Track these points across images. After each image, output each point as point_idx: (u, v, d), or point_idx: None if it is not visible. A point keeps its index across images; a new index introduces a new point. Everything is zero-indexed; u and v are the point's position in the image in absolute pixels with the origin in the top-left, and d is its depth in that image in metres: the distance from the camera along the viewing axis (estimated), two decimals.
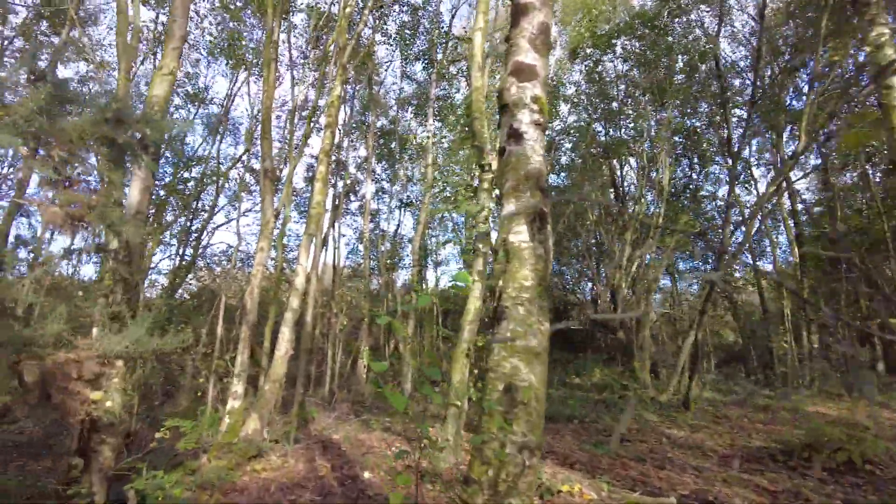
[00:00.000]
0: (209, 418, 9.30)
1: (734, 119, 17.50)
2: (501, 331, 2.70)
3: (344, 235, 26.45)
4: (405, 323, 15.27)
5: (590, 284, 25.85)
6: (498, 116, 3.35)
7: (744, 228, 15.05)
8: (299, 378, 12.14)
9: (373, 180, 24.17)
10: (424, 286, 19.26)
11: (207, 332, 12.47)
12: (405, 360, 14.44)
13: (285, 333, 10.02)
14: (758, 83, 10.84)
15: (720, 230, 25.00)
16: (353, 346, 15.52)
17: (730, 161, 19.16)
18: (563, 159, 23.15)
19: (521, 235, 2.80)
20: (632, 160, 22.45)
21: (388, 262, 20.11)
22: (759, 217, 13.44)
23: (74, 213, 2.76)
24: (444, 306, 22.53)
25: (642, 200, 17.01)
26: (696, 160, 21.48)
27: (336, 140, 22.15)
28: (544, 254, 2.82)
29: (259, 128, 18.04)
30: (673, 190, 17.73)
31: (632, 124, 18.79)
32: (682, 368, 14.26)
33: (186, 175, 16.67)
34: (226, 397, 9.28)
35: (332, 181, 22.86)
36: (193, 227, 17.69)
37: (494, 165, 7.03)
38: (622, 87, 18.77)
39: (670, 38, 16.92)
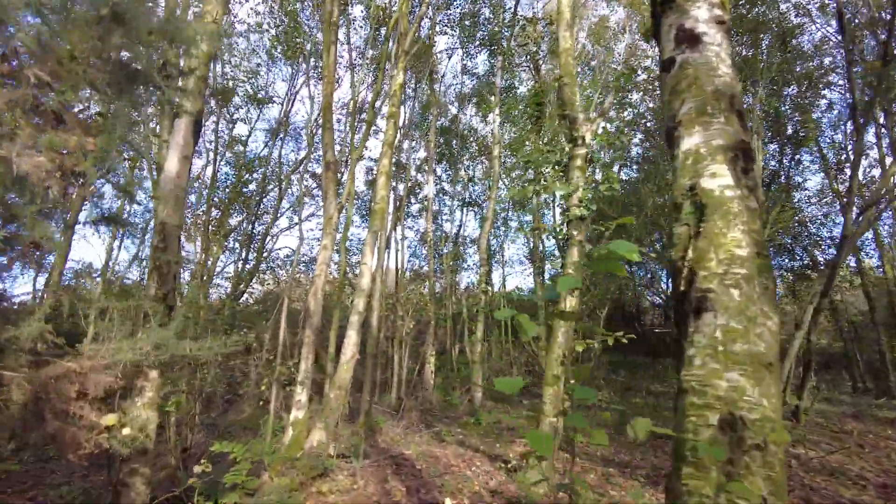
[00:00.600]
0: (271, 429, 8.66)
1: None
2: (705, 328, 1.70)
3: (405, 238, 25.79)
4: (475, 326, 14.32)
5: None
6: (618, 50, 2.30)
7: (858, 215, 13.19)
8: (366, 384, 11.41)
9: (434, 181, 23.48)
10: (490, 288, 18.31)
11: (270, 337, 11.96)
12: (475, 367, 13.48)
13: (351, 336, 9.30)
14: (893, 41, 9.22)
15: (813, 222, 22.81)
16: (420, 350, 14.73)
17: (849, 130, 17.36)
18: (634, 152, 21.65)
19: (721, 180, 1.79)
20: None
21: (451, 263, 19.28)
22: (883, 200, 11.66)
23: (67, 163, 1.99)
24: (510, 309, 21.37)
25: None
26: (785, 145, 19.57)
27: (397, 138, 21.67)
28: (758, 207, 1.79)
29: (319, 130, 17.71)
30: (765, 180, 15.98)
31: None
32: (787, 375, 12.60)
33: (248, 177, 16.40)
34: (289, 406, 8.61)
35: (393, 184, 22.36)
36: (256, 231, 17.44)
37: (588, 138, 5.99)
38: None
39: (759, 10, 15.29)
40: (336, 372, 9.35)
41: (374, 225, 10.37)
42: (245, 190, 16.29)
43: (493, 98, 14.88)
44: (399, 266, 18.94)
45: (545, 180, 6.05)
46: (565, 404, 6.14)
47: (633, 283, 25.42)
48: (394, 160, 22.54)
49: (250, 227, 16.59)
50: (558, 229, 5.63)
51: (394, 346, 13.58)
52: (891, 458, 8.51)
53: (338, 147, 17.02)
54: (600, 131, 6.08)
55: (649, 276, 27.28)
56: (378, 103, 14.87)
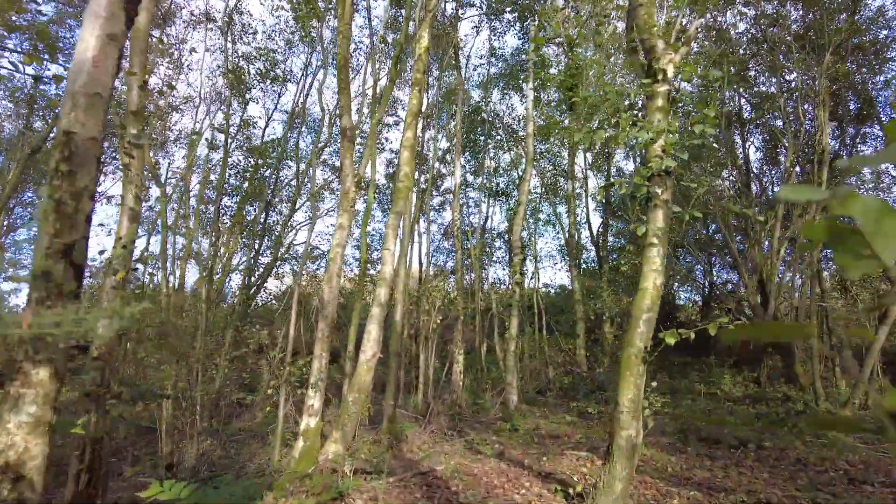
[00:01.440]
0: (280, 438, 7.46)
1: None
2: None
3: (429, 231, 24.57)
4: (507, 322, 12.99)
5: (723, 275, 22.58)
6: None
7: None
8: (389, 386, 10.18)
9: (460, 166, 22.21)
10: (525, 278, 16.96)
11: (283, 335, 10.80)
12: (509, 367, 12.15)
13: (372, 332, 8.08)
14: None
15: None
16: (447, 349, 13.45)
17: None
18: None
19: None
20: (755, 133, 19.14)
21: (479, 256, 17.98)
22: None
23: None
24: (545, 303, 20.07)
25: (792, 170, 13.74)
26: (846, 121, 17.90)
27: (419, 128, 20.44)
28: None
29: (338, 121, 16.52)
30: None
31: (767, 81, 15.57)
32: (870, 374, 11.05)
33: (261, 163, 15.24)
34: (301, 411, 7.40)
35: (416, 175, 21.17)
36: (273, 222, 16.34)
37: (670, 72, 4.64)
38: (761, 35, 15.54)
39: None
40: (355, 372, 8.14)
41: (397, 205, 9.14)
42: (259, 175, 15.18)
43: (526, 73, 13.55)
44: (422, 260, 17.72)
45: (618, 123, 4.70)
46: (646, 412, 4.81)
47: (669, 276, 23.83)
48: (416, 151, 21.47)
49: (263, 216, 15.46)
50: (639, 182, 4.29)
51: (419, 344, 12.32)
52: None
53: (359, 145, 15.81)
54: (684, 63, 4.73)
55: (685, 269, 25.66)
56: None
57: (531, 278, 20.18)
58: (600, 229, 21.78)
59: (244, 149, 15.65)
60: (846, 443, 8.56)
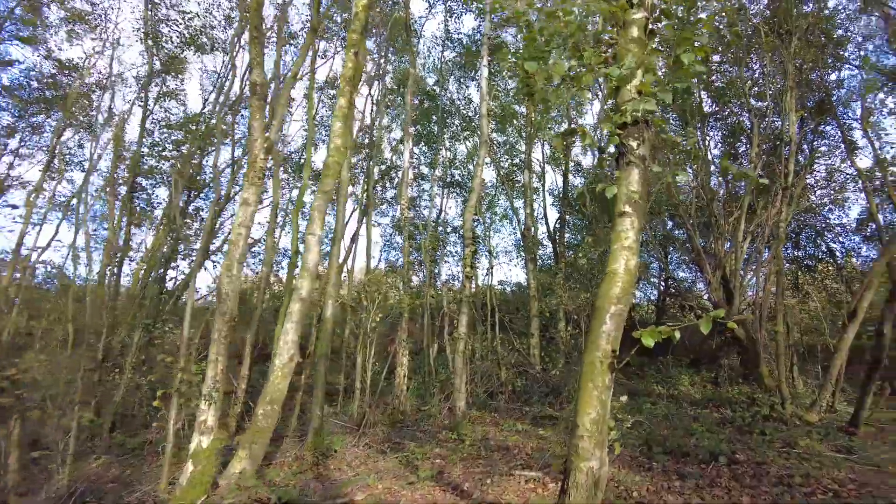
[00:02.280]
0: (168, 461, 6.08)
1: None
2: None
3: (378, 224, 23.22)
4: (456, 320, 11.85)
5: (678, 273, 22.10)
6: None
7: None
8: (316, 393, 8.88)
9: (410, 163, 20.99)
10: (476, 272, 15.89)
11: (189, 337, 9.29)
12: (457, 369, 11.01)
13: (289, 333, 6.79)
14: None
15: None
16: (390, 349, 12.21)
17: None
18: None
19: None
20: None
21: (430, 251, 16.79)
22: None
23: None
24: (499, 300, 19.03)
25: (758, 160, 13.07)
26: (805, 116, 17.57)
27: (371, 113, 19.10)
28: None
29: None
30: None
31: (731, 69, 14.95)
32: (837, 377, 10.41)
33: (180, 137, 13.54)
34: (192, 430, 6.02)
35: (363, 166, 19.80)
36: (199, 207, 14.68)
37: None
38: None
39: None
40: (268, 380, 6.82)
41: (325, 184, 7.84)
42: (177, 152, 13.50)
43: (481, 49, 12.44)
44: (371, 254, 16.43)
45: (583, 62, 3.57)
46: (612, 435, 3.71)
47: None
48: (364, 140, 20.08)
49: (185, 199, 13.78)
50: (609, 129, 3.18)
51: (359, 346, 11.03)
52: None
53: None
54: None
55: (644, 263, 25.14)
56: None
57: (486, 274, 19.14)
58: (557, 224, 20.94)
59: (161, 124, 13.96)
60: (823, 452, 7.77)
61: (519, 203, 20.40)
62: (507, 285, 27.00)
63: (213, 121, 13.15)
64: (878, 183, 19.72)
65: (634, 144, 3.35)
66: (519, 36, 14.82)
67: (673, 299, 19.27)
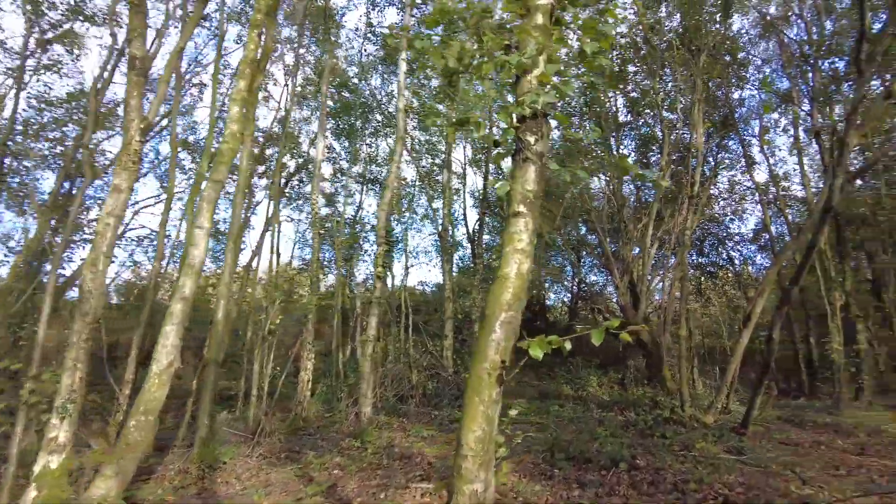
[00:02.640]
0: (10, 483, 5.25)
1: None
2: None
3: (291, 219, 22.24)
4: (366, 322, 11.39)
5: (590, 277, 22.65)
6: None
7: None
8: (203, 402, 8.15)
9: (327, 157, 20.25)
10: (390, 273, 15.52)
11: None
12: (364, 373, 10.55)
13: (169, 336, 6.09)
14: None
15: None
16: (292, 352, 11.56)
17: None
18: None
19: None
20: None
21: (346, 250, 16.21)
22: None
23: None
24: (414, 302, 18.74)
25: (667, 168, 13.54)
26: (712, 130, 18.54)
27: (287, 103, 18.19)
28: None
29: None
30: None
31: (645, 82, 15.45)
32: (732, 379, 10.87)
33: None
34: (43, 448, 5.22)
35: (268, 157, 18.80)
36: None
37: None
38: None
39: None
40: (143, 389, 6.09)
41: (217, 172, 7.18)
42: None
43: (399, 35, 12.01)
44: (275, 252, 15.55)
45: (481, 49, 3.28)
46: (501, 452, 3.45)
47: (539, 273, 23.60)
48: (278, 130, 19.13)
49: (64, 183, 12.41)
50: (504, 119, 2.88)
51: (258, 349, 10.32)
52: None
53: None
54: None
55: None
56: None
57: (404, 274, 18.78)
58: (476, 226, 20.93)
59: (38, 100, 12.47)
60: (717, 454, 8.00)
61: (439, 203, 20.24)
62: (428, 286, 26.77)
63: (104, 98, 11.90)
64: (771, 196, 21.23)
65: (532, 140, 3.10)
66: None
67: (584, 302, 19.74)
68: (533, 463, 7.59)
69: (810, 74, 17.39)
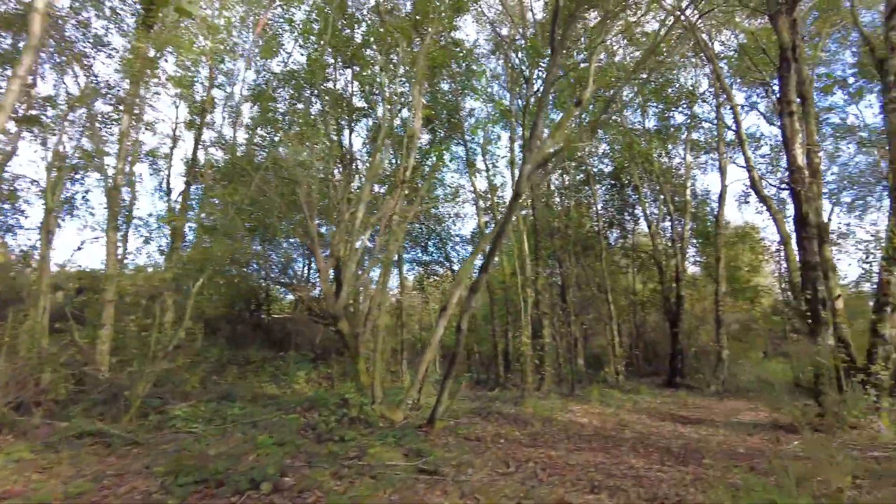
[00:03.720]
0: None
1: None
2: None
3: None
4: None
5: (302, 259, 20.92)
6: None
7: None
8: None
9: None
10: None
11: None
12: None
13: None
14: None
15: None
16: None
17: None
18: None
19: None
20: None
21: None
22: None
23: None
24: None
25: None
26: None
27: None
28: None
29: None
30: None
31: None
32: (425, 371, 10.26)
33: None
34: None
35: None
36: None
37: None
38: None
39: None
40: None
41: None
42: None
43: None
44: None
45: None
46: None
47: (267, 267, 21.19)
48: None
49: None
50: None
51: None
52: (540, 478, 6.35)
53: None
54: None
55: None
56: None
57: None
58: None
59: None
60: (390, 461, 6.94)
61: None
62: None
63: None
64: (488, 204, 22.56)
65: None
66: None
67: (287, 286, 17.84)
68: (144, 492, 5.49)
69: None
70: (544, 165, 8.36)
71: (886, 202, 19.40)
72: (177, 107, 18.72)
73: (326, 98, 15.87)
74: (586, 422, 11.59)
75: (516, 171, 18.32)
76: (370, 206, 12.92)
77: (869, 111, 46.12)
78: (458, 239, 24.88)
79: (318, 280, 11.54)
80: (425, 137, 18.31)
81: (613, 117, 20.35)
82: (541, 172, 17.93)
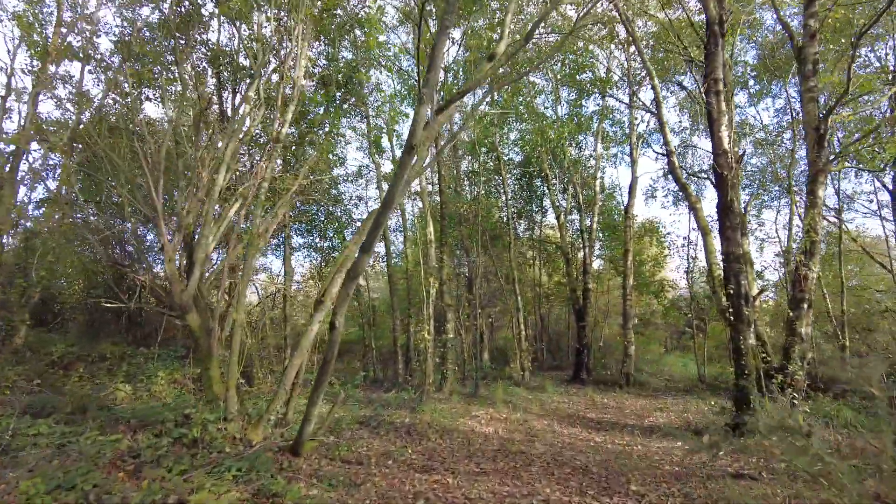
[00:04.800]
0: None
1: None
2: None
3: None
4: None
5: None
6: None
7: None
8: None
9: None
10: None
11: None
12: None
13: None
14: None
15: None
16: None
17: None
18: None
19: None
20: None
21: None
22: None
23: None
24: None
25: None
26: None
27: None
28: None
29: None
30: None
31: None
32: (294, 378, 8.21)
33: None
34: None
35: None
36: None
37: None
38: None
39: None
40: None
41: None
42: None
43: None
44: None
45: None
46: None
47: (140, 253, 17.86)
48: None
49: None
50: None
51: None
52: None
53: None
54: None
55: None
56: None
57: None
58: None
59: None
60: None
61: None
62: None
63: None
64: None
65: None
66: None
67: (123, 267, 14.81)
68: None
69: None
70: (448, 108, 6.53)
71: (783, 201, 19.75)
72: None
73: (204, 50, 13.35)
74: (491, 431, 10.06)
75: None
76: (245, 177, 10.59)
77: (766, 114, 49.19)
78: (359, 224, 22.69)
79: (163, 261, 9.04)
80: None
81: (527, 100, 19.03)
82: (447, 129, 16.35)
